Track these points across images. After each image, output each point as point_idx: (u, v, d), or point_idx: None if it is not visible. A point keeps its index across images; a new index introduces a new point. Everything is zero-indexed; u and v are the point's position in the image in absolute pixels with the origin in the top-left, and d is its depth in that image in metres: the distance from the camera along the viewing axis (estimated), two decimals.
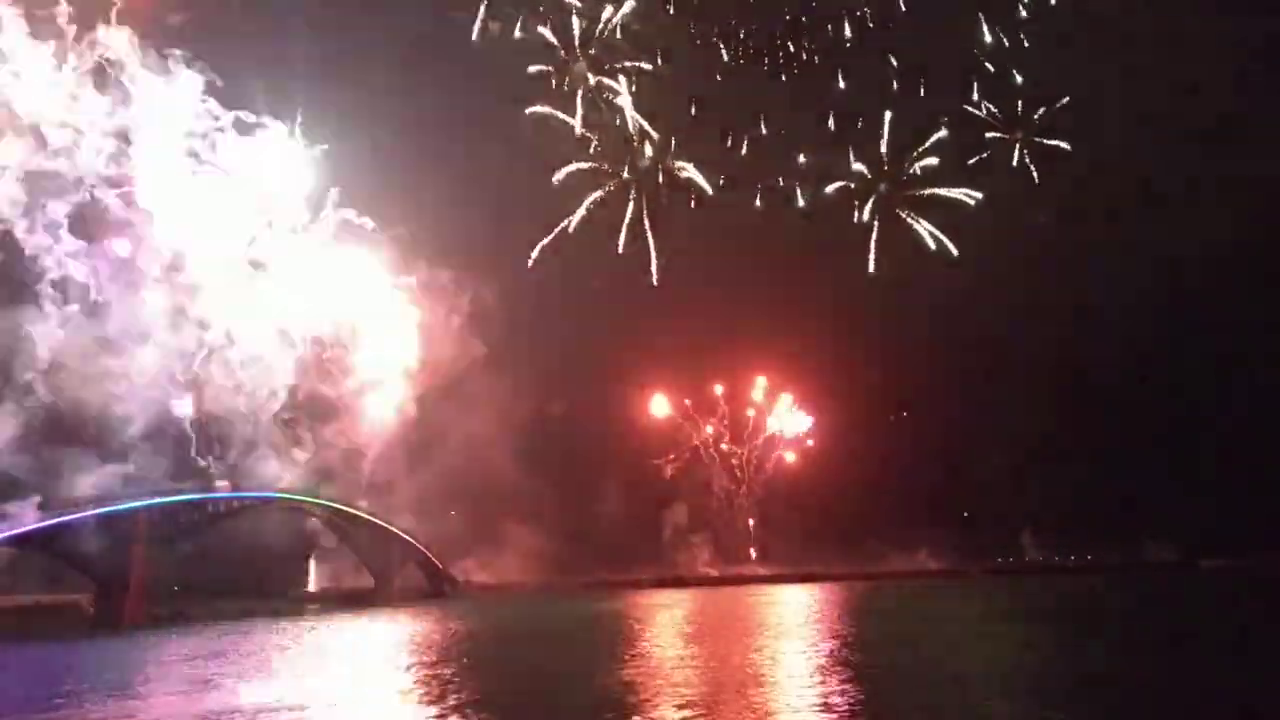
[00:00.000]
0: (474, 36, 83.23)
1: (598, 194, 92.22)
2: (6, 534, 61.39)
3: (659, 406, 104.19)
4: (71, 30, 65.62)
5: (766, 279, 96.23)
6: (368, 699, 30.98)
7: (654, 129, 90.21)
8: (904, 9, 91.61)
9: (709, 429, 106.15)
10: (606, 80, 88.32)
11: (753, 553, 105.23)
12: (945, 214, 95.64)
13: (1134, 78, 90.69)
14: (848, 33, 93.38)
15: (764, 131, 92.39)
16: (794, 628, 49.14)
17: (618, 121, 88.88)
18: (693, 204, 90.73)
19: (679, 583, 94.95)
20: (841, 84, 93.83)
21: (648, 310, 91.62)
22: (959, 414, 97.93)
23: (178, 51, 69.62)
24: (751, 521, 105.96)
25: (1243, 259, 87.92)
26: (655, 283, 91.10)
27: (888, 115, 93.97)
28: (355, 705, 29.87)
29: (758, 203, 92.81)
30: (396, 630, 57.55)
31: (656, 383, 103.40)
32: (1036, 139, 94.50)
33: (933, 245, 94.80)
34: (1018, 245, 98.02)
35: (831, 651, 37.41)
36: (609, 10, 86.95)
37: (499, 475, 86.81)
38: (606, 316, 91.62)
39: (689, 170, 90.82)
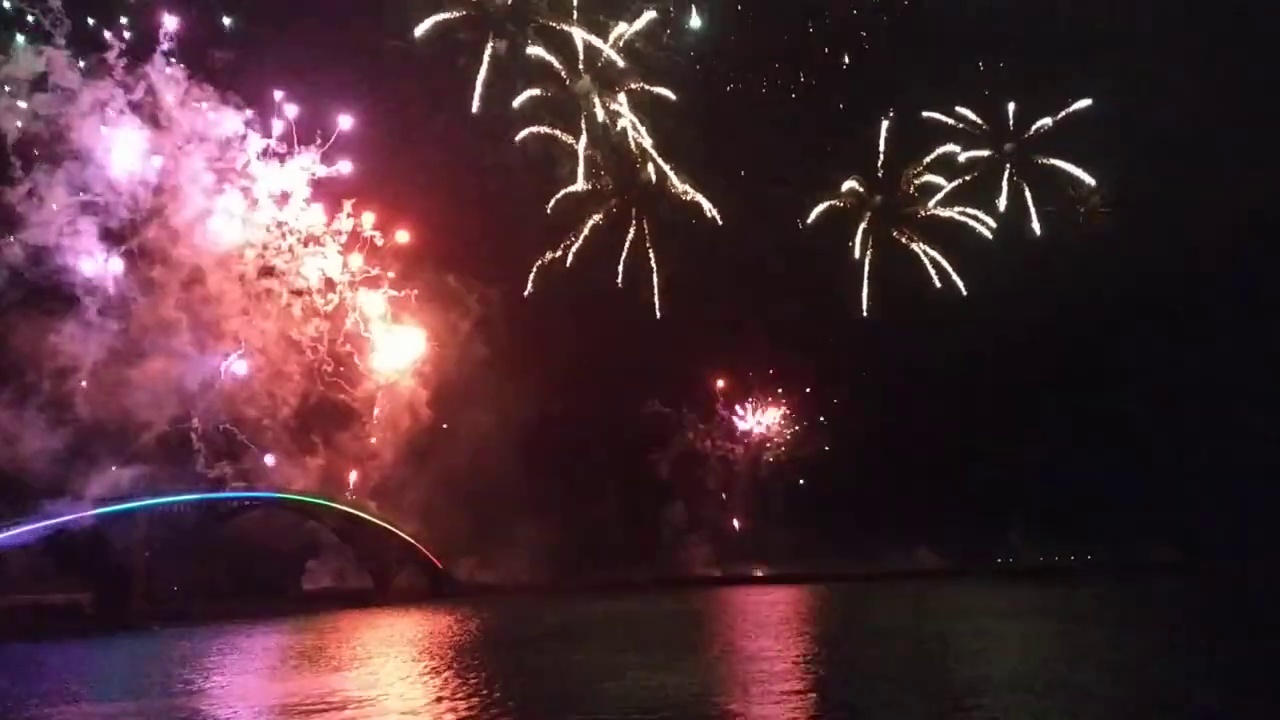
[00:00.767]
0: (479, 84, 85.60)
1: (597, 217, 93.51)
2: (6, 534, 60.80)
3: (657, 407, 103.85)
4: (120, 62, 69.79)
5: (763, 294, 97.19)
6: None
7: (655, 150, 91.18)
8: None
9: (703, 427, 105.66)
10: (610, 102, 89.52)
11: (754, 552, 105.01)
12: (946, 237, 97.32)
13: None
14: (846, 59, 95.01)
15: (764, 152, 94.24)
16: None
17: (616, 137, 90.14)
18: (694, 221, 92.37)
19: (680, 583, 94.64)
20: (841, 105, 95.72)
21: (648, 322, 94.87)
22: (957, 414, 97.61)
23: (210, 87, 73.48)
24: (752, 522, 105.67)
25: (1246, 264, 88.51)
26: (658, 313, 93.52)
27: (884, 126, 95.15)
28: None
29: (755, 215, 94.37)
30: (402, 628, 57.26)
31: (656, 384, 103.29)
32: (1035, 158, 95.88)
33: (938, 282, 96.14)
34: (1016, 248, 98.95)
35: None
36: (615, 31, 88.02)
37: (501, 477, 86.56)
38: (607, 325, 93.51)
39: (691, 194, 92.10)
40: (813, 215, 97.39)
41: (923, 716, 25.45)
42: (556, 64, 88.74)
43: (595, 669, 35.45)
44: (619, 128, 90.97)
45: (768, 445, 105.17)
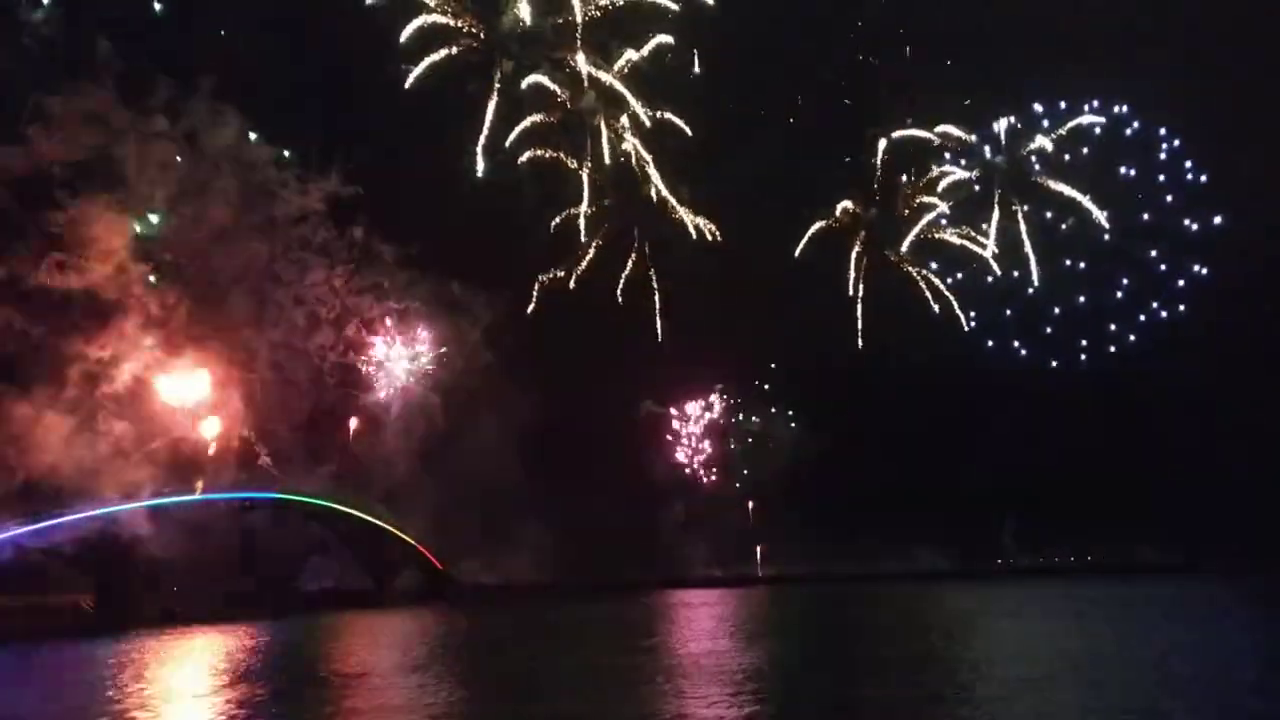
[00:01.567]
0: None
1: (598, 242, 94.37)
2: (5, 535, 60.96)
3: (655, 409, 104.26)
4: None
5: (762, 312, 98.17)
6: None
7: (657, 171, 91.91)
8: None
9: (701, 428, 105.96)
10: (614, 122, 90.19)
11: (758, 553, 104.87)
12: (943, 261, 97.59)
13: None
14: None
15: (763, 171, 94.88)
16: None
17: (619, 157, 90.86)
18: (694, 240, 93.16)
19: (682, 584, 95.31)
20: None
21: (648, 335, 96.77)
22: (956, 414, 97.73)
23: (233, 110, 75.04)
24: (751, 523, 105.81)
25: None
26: (659, 335, 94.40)
27: (881, 145, 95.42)
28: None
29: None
30: (401, 629, 57.34)
31: (655, 386, 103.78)
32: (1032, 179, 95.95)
33: (936, 307, 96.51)
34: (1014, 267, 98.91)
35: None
36: (622, 58, 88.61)
37: (503, 479, 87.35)
38: (608, 337, 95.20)
39: (692, 218, 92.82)
40: (806, 237, 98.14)
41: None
42: (560, 92, 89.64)
43: (588, 669, 35.55)
44: (622, 148, 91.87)
45: (764, 445, 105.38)
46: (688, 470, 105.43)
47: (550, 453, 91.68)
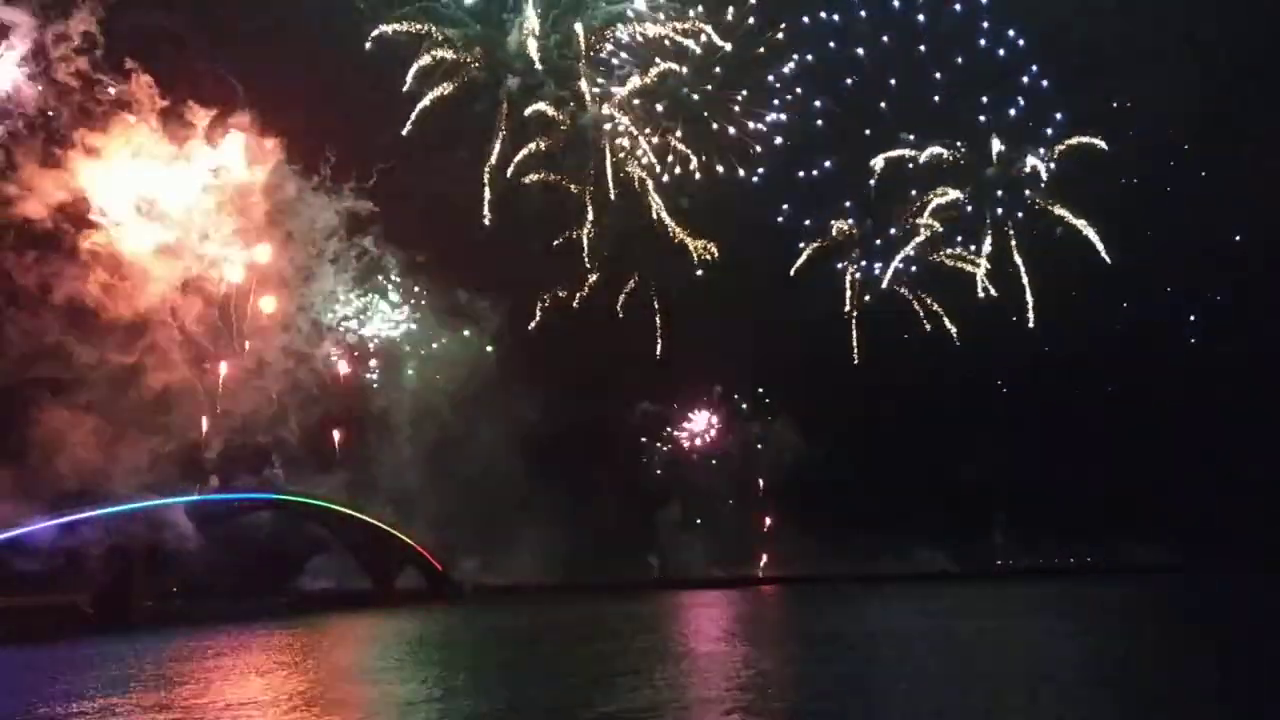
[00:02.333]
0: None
1: (598, 265, 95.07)
2: (5, 535, 61.05)
3: (653, 410, 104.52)
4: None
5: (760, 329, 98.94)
6: None
7: (658, 191, 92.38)
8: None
9: (699, 429, 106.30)
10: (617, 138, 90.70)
11: (763, 555, 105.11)
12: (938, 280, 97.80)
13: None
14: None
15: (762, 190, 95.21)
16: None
17: (621, 174, 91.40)
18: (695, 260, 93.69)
19: (683, 584, 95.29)
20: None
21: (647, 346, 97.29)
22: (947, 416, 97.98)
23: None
24: (747, 523, 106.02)
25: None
26: (658, 352, 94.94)
27: (879, 166, 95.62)
28: None
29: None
30: (399, 629, 57.49)
31: (653, 389, 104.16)
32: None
33: (928, 325, 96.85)
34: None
35: None
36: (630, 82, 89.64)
37: (502, 481, 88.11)
38: (609, 343, 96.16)
39: (692, 241, 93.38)
40: (803, 256, 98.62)
41: None
42: (563, 116, 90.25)
43: (583, 671, 35.70)
44: (625, 170, 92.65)
45: (761, 446, 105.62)
46: (687, 471, 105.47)
47: (551, 454, 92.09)
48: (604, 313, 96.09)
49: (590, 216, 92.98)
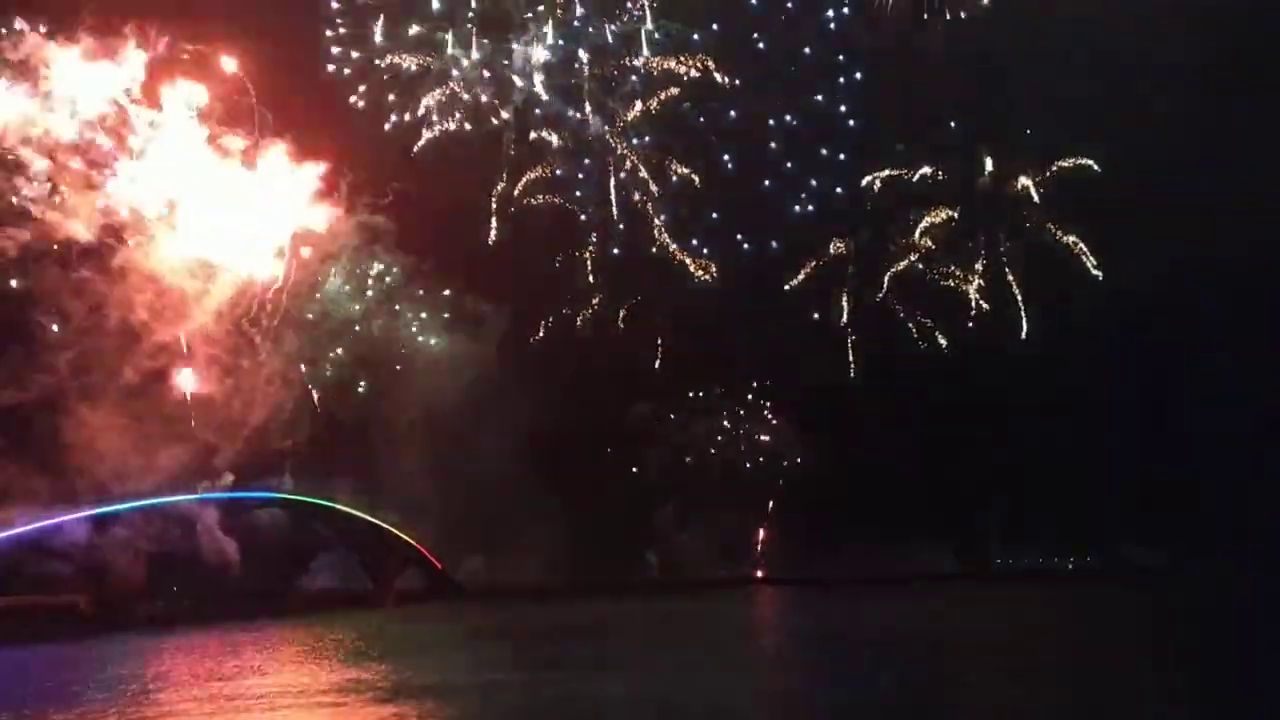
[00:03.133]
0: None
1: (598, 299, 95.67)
2: (3, 535, 61.19)
3: (652, 410, 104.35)
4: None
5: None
6: None
7: (659, 214, 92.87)
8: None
9: (697, 430, 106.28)
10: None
11: (760, 553, 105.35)
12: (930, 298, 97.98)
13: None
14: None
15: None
16: None
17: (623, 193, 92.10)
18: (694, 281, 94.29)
19: (685, 584, 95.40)
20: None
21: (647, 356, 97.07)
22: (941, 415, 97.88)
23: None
24: (752, 523, 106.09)
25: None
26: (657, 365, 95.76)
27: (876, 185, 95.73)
28: None
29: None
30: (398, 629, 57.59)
31: (652, 390, 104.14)
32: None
33: (923, 343, 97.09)
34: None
35: None
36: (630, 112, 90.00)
37: (502, 482, 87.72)
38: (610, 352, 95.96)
39: (692, 262, 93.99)
40: (801, 275, 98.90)
41: None
42: (568, 141, 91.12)
43: (579, 671, 35.81)
44: (629, 193, 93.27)
45: (758, 447, 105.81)
46: (686, 471, 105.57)
47: (551, 456, 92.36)
48: (606, 328, 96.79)
49: (594, 238, 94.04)
